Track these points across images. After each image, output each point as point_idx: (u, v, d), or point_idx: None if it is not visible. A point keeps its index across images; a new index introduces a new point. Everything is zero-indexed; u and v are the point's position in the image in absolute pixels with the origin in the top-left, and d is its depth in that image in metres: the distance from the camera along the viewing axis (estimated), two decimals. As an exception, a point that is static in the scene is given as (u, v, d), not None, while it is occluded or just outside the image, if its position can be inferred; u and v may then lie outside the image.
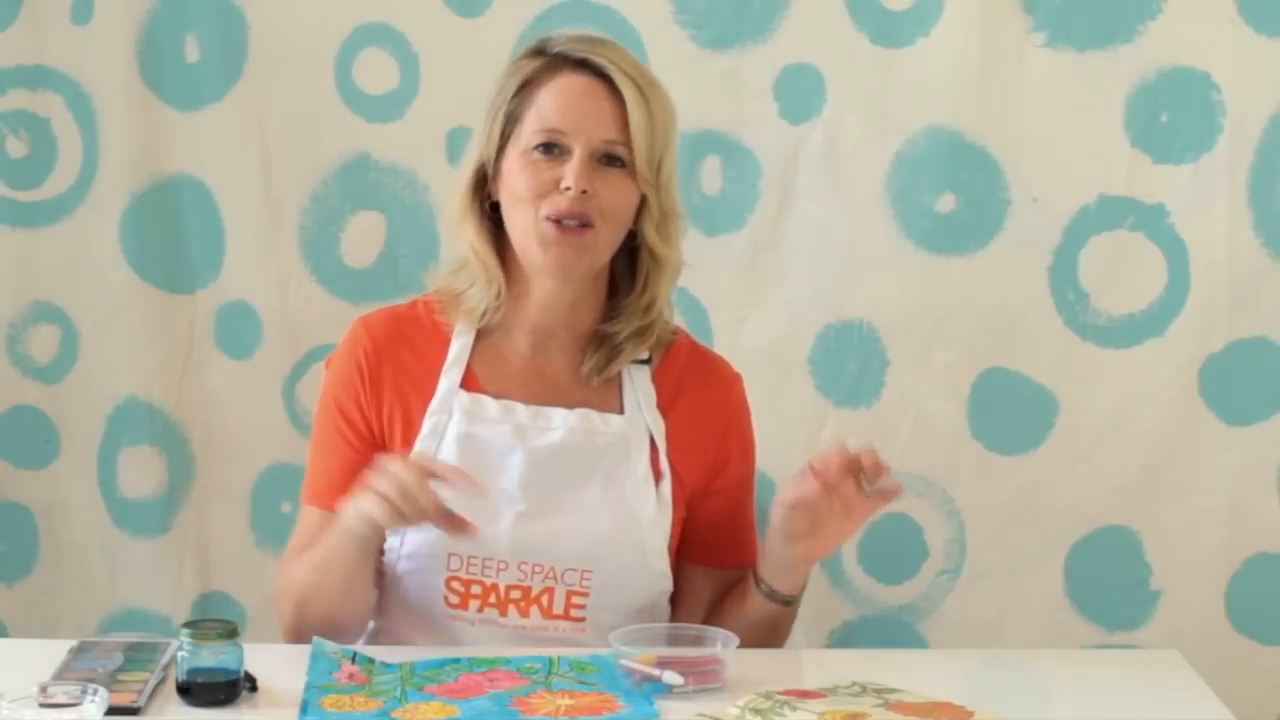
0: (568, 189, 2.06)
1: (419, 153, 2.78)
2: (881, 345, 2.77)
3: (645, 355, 2.19)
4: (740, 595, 2.15)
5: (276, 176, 2.81)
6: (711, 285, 2.76)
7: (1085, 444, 2.76)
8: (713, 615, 2.16)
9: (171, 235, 2.83)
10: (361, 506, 1.99)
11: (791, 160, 2.75)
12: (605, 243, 2.11)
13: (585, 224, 2.08)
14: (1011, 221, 2.74)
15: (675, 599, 2.21)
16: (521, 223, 2.10)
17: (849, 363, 2.78)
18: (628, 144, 2.09)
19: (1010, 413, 2.77)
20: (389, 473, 1.96)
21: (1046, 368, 2.76)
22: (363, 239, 2.82)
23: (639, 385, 2.18)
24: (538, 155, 2.09)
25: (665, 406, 2.18)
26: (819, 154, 2.75)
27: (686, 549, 2.20)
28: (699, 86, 2.73)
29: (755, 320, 2.78)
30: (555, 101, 2.09)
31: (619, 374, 2.18)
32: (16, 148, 2.83)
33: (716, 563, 2.20)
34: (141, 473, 2.87)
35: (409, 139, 2.78)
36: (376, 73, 2.78)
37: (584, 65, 2.10)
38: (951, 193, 2.74)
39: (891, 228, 2.75)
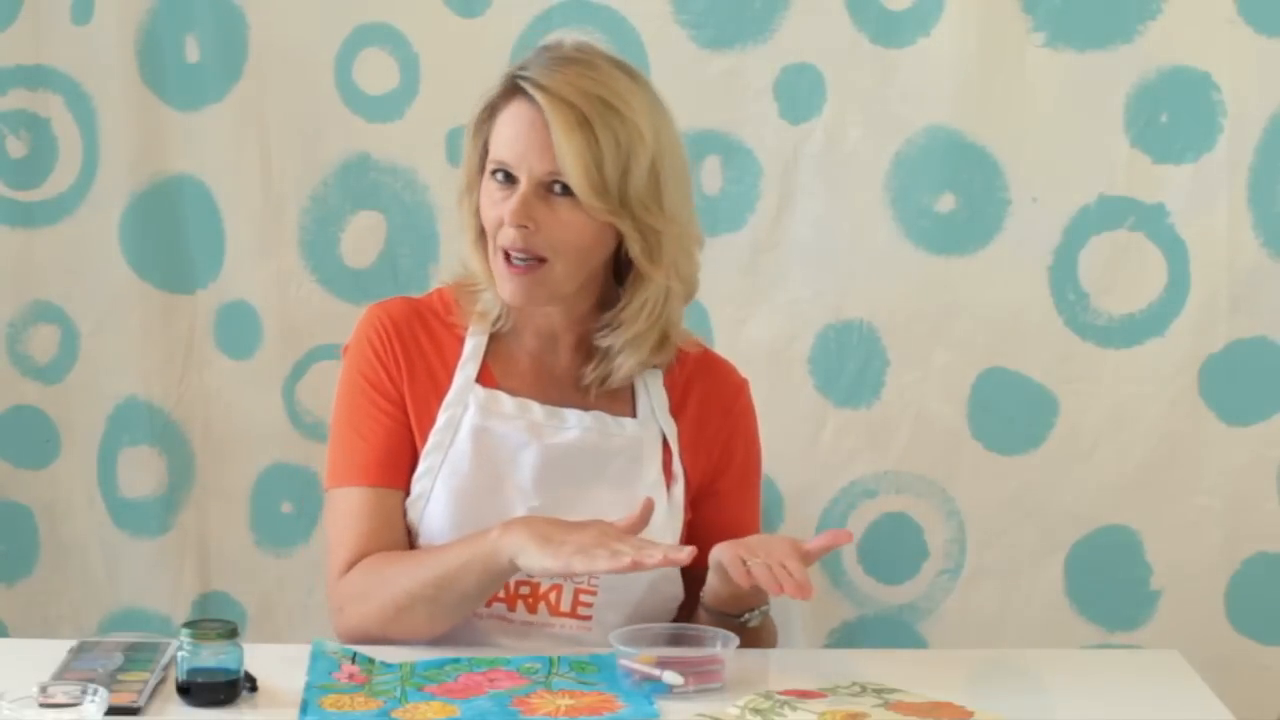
0: (507, 224, 2.06)
1: (419, 153, 2.77)
2: (881, 345, 2.77)
3: (656, 365, 2.19)
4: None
5: (276, 176, 2.81)
6: (711, 285, 2.74)
7: (1085, 444, 2.76)
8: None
9: (171, 235, 2.83)
10: (567, 557, 1.95)
11: (791, 160, 2.75)
12: (563, 275, 2.09)
13: (537, 258, 2.07)
14: (1011, 221, 2.73)
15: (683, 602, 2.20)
16: (490, 252, 2.11)
17: (849, 363, 2.78)
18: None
19: (1010, 413, 2.77)
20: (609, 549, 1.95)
21: (1046, 368, 2.75)
22: (363, 239, 2.82)
23: (652, 390, 2.19)
24: (494, 184, 2.09)
25: (677, 411, 2.19)
26: (819, 154, 2.74)
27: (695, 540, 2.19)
28: (699, 86, 2.73)
29: (755, 320, 2.78)
30: (504, 132, 2.08)
31: (632, 379, 2.18)
32: (16, 148, 2.83)
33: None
34: (141, 473, 2.87)
35: (409, 139, 2.78)
36: (376, 73, 2.78)
37: (530, 94, 2.07)
38: (951, 193, 2.74)
39: (891, 228, 2.75)
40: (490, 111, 2.11)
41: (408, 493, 2.15)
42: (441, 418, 2.14)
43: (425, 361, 2.17)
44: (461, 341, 2.17)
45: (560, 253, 2.07)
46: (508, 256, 2.07)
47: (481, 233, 2.14)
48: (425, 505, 2.13)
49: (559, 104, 2.04)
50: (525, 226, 2.05)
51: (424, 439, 2.14)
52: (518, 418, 2.14)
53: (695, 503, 2.20)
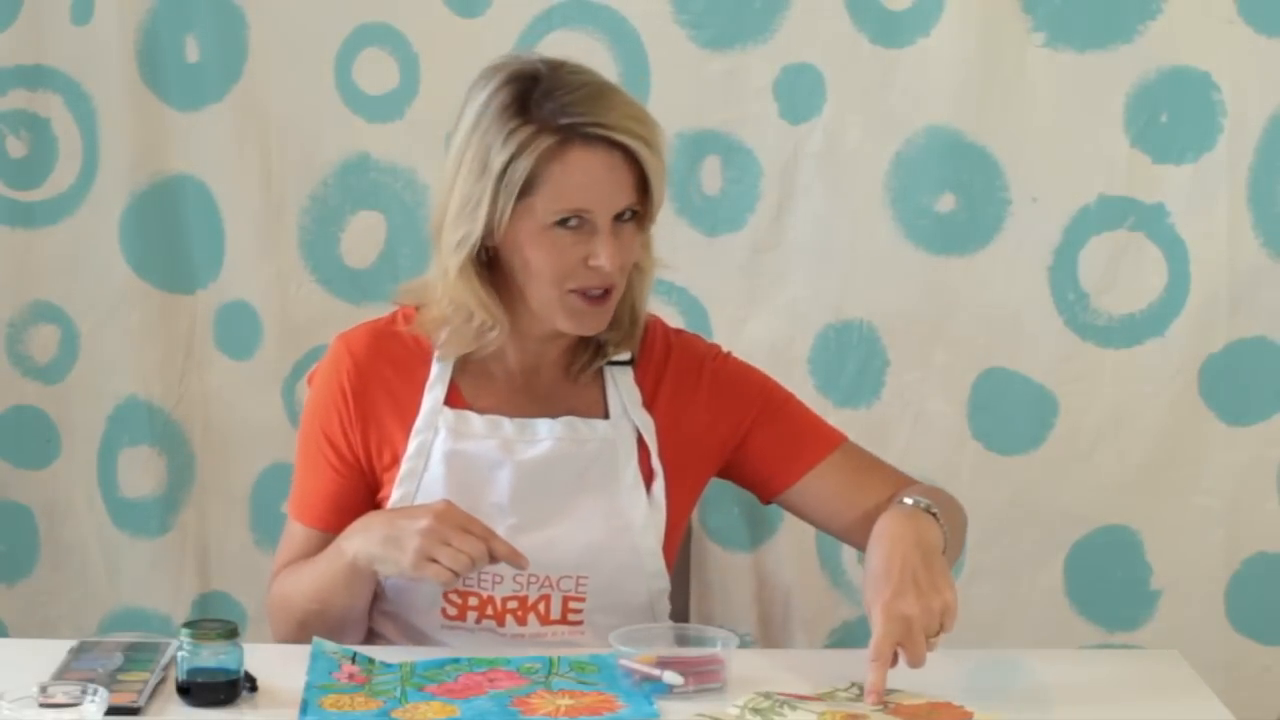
0: (600, 267, 2.03)
1: (419, 153, 2.77)
2: (881, 345, 2.77)
3: (627, 356, 2.18)
4: None
5: (276, 176, 2.81)
6: (711, 285, 2.76)
7: (1085, 444, 2.76)
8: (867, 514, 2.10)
9: (171, 235, 2.83)
10: (411, 570, 1.99)
11: (791, 160, 2.75)
12: (620, 294, 2.10)
13: (610, 288, 2.07)
14: (1011, 221, 2.74)
15: (818, 519, 2.21)
16: (544, 296, 2.06)
17: (849, 363, 2.78)
18: (643, 203, 2.06)
19: (1010, 413, 2.77)
20: (451, 547, 1.97)
21: (1046, 368, 2.76)
22: (363, 239, 2.82)
23: (623, 387, 2.17)
24: (559, 231, 2.03)
25: (650, 403, 2.17)
26: (819, 154, 2.74)
27: (777, 475, 2.18)
28: (699, 86, 2.73)
29: (755, 320, 2.78)
30: (573, 180, 2.01)
31: (602, 378, 2.17)
32: (16, 148, 2.84)
33: (813, 461, 2.18)
34: (141, 473, 2.87)
35: (409, 139, 2.78)
36: (376, 73, 2.78)
37: (597, 138, 2.02)
38: (951, 193, 2.74)
39: (891, 228, 2.75)
40: (539, 163, 2.01)
41: None
42: (412, 444, 2.13)
43: (392, 394, 2.15)
44: (430, 358, 2.15)
45: (623, 274, 2.08)
46: (583, 294, 2.05)
47: (484, 270, 2.09)
48: None
49: (639, 141, 2.03)
50: (619, 265, 2.05)
51: (396, 467, 2.14)
52: (489, 436, 2.13)
53: (733, 459, 2.19)
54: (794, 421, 2.21)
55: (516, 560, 2.00)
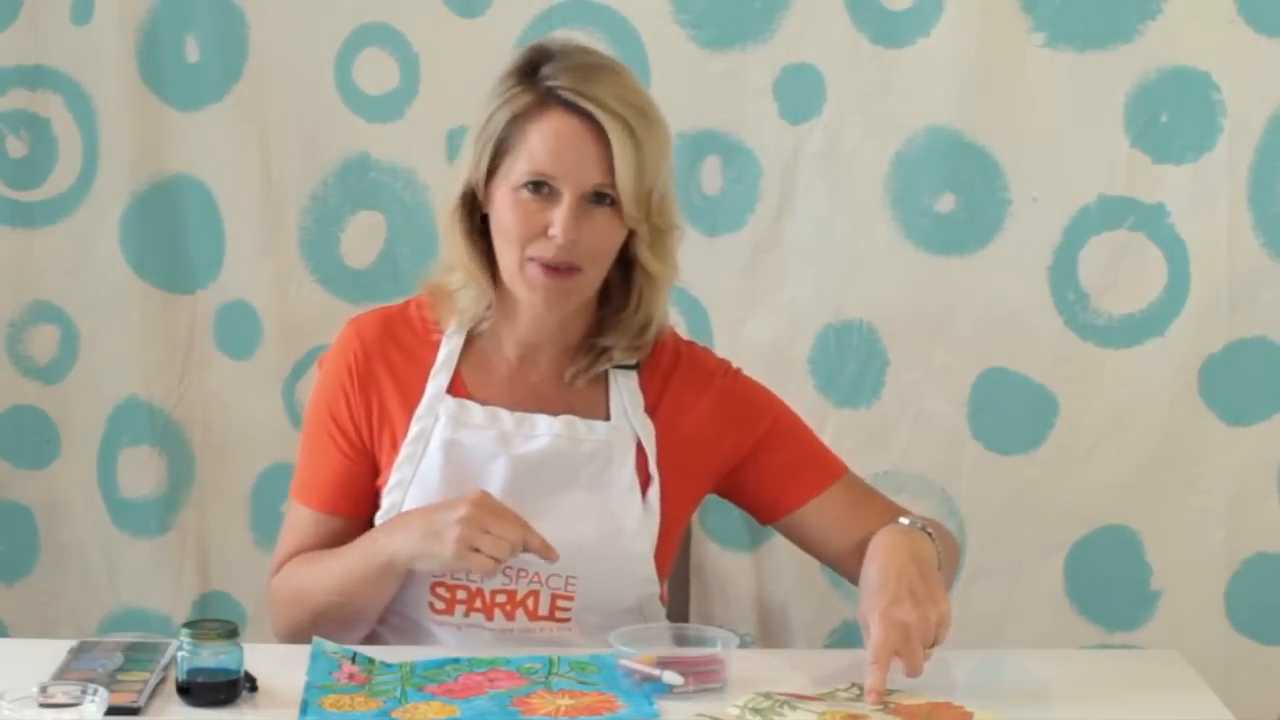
0: (554, 237, 2.04)
1: (419, 153, 2.77)
2: (881, 345, 2.77)
3: (633, 361, 2.18)
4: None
5: (276, 176, 2.81)
6: (711, 285, 2.76)
7: (1085, 444, 2.76)
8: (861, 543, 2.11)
9: (171, 235, 2.83)
10: (454, 561, 1.99)
11: (791, 160, 2.75)
12: (592, 282, 2.10)
13: (572, 268, 2.06)
14: (1011, 221, 2.74)
15: (811, 546, 2.21)
16: (508, 261, 2.08)
17: (849, 363, 2.78)
18: (614, 186, 2.05)
19: (1010, 413, 2.77)
20: (491, 535, 1.97)
21: (1046, 368, 2.76)
22: (363, 239, 2.82)
23: (625, 390, 2.17)
24: (526, 194, 2.05)
25: (652, 409, 2.17)
26: (819, 154, 2.74)
27: (779, 501, 2.19)
28: (699, 86, 2.73)
29: (755, 320, 2.78)
30: (544, 143, 2.04)
31: (605, 380, 2.17)
32: (16, 148, 2.83)
33: (814, 491, 2.19)
34: (141, 473, 2.87)
35: (409, 139, 2.78)
36: (376, 73, 2.78)
37: (574, 106, 2.04)
38: (951, 193, 2.74)
39: (891, 228, 2.75)
40: (517, 121, 2.06)
41: (358, 516, 2.16)
42: (413, 429, 2.14)
43: (398, 379, 2.16)
44: (437, 346, 2.16)
45: (594, 260, 2.08)
46: (543, 266, 2.06)
47: (478, 238, 2.13)
48: None
49: (614, 117, 2.03)
50: (574, 239, 2.04)
51: (396, 451, 2.14)
52: (487, 428, 2.13)
53: (732, 479, 2.20)
54: (800, 448, 2.22)
55: (548, 554, 2.00)
